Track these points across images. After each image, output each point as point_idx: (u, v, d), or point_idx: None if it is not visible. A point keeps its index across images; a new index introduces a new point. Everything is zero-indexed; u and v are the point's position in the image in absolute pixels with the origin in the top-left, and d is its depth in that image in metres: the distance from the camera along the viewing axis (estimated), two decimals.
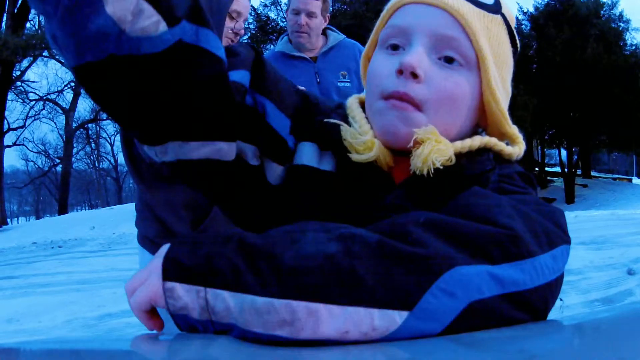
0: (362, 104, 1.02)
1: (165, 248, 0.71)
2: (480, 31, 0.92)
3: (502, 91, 0.97)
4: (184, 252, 0.69)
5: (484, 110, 0.98)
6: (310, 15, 3.07)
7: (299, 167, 0.99)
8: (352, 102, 1.04)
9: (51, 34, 0.75)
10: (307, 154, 0.99)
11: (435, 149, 0.87)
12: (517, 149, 0.99)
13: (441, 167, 0.88)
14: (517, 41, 1.01)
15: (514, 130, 1.00)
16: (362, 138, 0.93)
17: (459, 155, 0.91)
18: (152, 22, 0.74)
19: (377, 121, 0.94)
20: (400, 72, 0.90)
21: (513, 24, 1.01)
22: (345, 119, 1.00)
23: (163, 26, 0.75)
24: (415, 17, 0.93)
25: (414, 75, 0.89)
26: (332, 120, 0.98)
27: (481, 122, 1.00)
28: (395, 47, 0.95)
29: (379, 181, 0.94)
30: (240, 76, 0.91)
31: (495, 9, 0.97)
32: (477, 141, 0.94)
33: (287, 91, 1.00)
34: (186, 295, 0.67)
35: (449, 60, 0.92)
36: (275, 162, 0.98)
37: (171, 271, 0.68)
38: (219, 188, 0.97)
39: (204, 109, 0.84)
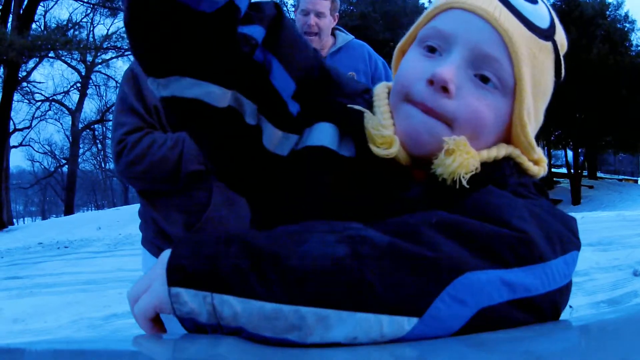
0: (390, 92, 0.98)
1: (166, 254, 0.70)
2: (526, 58, 0.88)
3: (532, 122, 0.94)
4: (187, 255, 0.68)
5: (510, 132, 0.93)
6: (319, 15, 3.06)
7: (317, 148, 0.96)
8: (380, 91, 1.00)
9: None
10: (328, 136, 0.97)
11: (465, 164, 0.84)
12: (540, 170, 0.96)
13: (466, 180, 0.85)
14: (562, 70, 0.97)
15: (538, 154, 0.96)
16: (383, 131, 0.90)
17: (483, 163, 0.88)
18: None
19: (401, 124, 0.91)
20: (431, 82, 0.87)
21: (563, 51, 0.96)
22: (370, 105, 0.97)
23: None
24: (460, 25, 0.88)
25: (445, 89, 0.86)
26: (355, 107, 0.95)
27: (506, 139, 0.95)
28: (432, 50, 0.91)
29: (397, 174, 0.92)
30: (253, 30, 0.90)
31: (548, 34, 0.91)
32: (503, 151, 0.91)
33: (302, 56, 0.97)
34: (192, 300, 0.66)
35: (484, 79, 0.88)
36: (273, 124, 0.95)
37: (176, 277, 0.67)
38: (212, 138, 0.96)
39: (205, 48, 0.85)
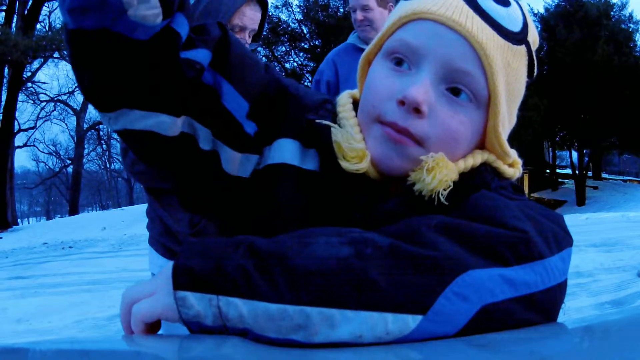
0: (355, 102, 0.96)
1: (172, 263, 0.70)
2: (500, 69, 0.85)
3: (507, 128, 0.93)
4: (194, 259, 0.68)
5: (484, 140, 0.92)
6: (364, 9, 3.20)
7: (278, 165, 0.95)
8: (344, 101, 0.97)
9: None
10: (288, 152, 0.95)
11: (444, 180, 0.83)
12: (515, 172, 0.96)
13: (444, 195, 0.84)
14: (535, 68, 0.94)
15: (513, 157, 0.95)
16: (355, 144, 0.87)
17: (461, 173, 0.88)
18: (153, 13, 0.80)
19: (371, 146, 0.88)
20: (402, 102, 0.84)
21: (535, 47, 0.93)
22: (333, 116, 0.95)
23: (160, 18, 0.81)
24: (430, 38, 0.84)
25: (417, 110, 0.83)
26: (323, 122, 0.91)
27: (481, 146, 0.93)
28: (400, 62, 0.87)
29: (371, 187, 0.90)
30: (198, 54, 0.88)
31: (521, 37, 0.88)
32: (479, 158, 0.90)
33: (253, 74, 0.95)
34: (198, 303, 0.66)
35: (457, 92, 0.85)
36: (230, 147, 0.93)
37: (182, 280, 0.67)
38: (169, 167, 0.95)
39: (147, 77, 0.84)
